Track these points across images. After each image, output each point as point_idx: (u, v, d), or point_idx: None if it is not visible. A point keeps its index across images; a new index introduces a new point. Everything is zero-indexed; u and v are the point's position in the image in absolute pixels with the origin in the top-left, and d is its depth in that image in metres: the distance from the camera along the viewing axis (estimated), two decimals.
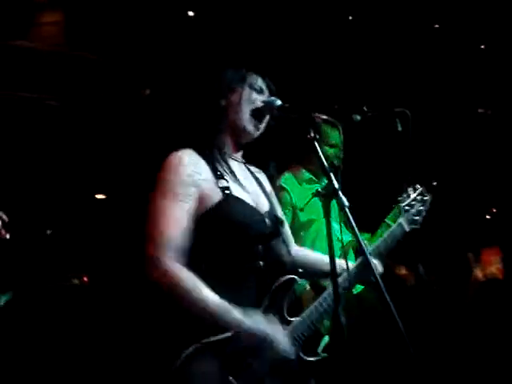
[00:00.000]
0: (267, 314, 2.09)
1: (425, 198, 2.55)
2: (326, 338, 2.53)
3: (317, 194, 1.94)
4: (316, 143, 1.98)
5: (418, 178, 2.66)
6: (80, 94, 4.76)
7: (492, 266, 6.36)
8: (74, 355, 4.24)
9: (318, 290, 2.67)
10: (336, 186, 1.90)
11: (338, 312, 1.89)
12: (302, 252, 2.48)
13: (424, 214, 2.52)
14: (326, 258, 2.22)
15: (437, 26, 5.78)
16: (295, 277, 2.17)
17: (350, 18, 5.48)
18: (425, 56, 5.68)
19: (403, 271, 5.46)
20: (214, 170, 2.18)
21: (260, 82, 2.28)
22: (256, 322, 2.03)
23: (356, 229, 1.85)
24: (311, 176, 3.39)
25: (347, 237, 2.81)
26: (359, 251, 2.11)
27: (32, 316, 4.28)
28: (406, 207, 2.50)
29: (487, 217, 6.88)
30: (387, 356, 3.16)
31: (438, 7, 5.49)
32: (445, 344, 4.70)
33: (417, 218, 2.51)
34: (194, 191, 2.11)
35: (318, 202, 1.99)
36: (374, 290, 1.78)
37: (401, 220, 2.46)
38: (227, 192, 2.15)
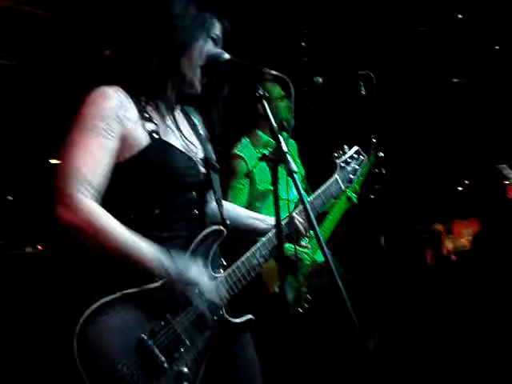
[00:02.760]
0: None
1: (361, 157, 2.50)
2: None
3: (263, 158, 1.80)
4: (265, 101, 1.83)
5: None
6: (35, 53, 4.54)
7: (463, 237, 6.39)
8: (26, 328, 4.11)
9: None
10: (284, 149, 1.76)
11: (283, 286, 1.79)
12: (234, 209, 2.36)
13: (359, 174, 2.48)
14: (256, 215, 2.29)
15: None
16: (223, 229, 2.05)
17: None
18: (399, 22, 5.56)
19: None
20: (142, 112, 2.00)
21: (218, 31, 2.10)
22: (183, 263, 1.89)
23: (303, 195, 1.72)
24: (269, 138, 3.25)
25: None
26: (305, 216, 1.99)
27: None
28: (342, 164, 2.44)
29: (459, 188, 6.86)
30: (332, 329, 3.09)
31: None
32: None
33: (352, 176, 2.45)
34: (116, 127, 1.92)
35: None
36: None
37: (336, 176, 2.39)
38: (156, 136, 1.98)
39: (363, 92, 2.85)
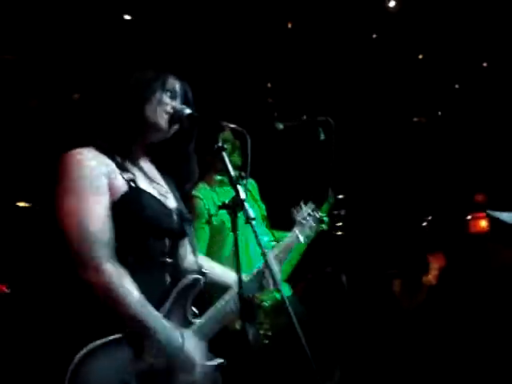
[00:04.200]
0: (172, 313, 2.07)
1: (316, 215, 2.74)
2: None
3: (223, 206, 1.89)
4: (223, 153, 1.93)
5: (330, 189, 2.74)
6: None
7: (429, 272, 6.48)
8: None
9: None
10: (242, 197, 1.85)
11: (245, 328, 1.86)
12: (209, 263, 2.45)
13: (316, 230, 2.74)
14: (220, 267, 2.43)
15: (374, 35, 5.82)
16: (199, 277, 2.15)
17: (285, 25, 5.46)
18: (360, 65, 5.72)
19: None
20: (118, 164, 2.10)
21: (177, 87, 2.22)
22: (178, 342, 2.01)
23: (260, 241, 1.80)
24: (222, 178, 3.34)
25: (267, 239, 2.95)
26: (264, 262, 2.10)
27: None
28: (302, 220, 2.68)
29: (423, 224, 7.00)
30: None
31: (376, 16, 5.53)
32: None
33: (310, 232, 2.70)
34: (104, 182, 2.02)
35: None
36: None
37: (296, 231, 2.62)
38: (133, 184, 2.07)
39: (322, 137, 2.97)
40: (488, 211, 6.15)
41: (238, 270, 1.87)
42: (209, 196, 3.34)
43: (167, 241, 2.12)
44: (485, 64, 5.98)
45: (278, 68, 5.42)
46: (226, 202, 1.90)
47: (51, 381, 1.93)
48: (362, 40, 5.70)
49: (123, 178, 2.06)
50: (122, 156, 2.13)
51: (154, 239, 2.08)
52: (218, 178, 3.37)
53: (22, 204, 4.49)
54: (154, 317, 1.98)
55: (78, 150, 2.05)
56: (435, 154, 6.31)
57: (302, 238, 2.60)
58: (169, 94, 2.18)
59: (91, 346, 1.91)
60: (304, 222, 2.66)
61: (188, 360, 2.01)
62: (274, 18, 5.30)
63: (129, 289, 1.96)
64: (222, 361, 2.19)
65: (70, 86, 4.82)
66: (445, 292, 5.85)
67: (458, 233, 6.80)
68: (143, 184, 2.13)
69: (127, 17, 4.97)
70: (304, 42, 5.47)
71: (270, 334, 3.19)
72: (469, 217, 7.07)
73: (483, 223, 7.10)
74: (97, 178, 2.01)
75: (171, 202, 2.22)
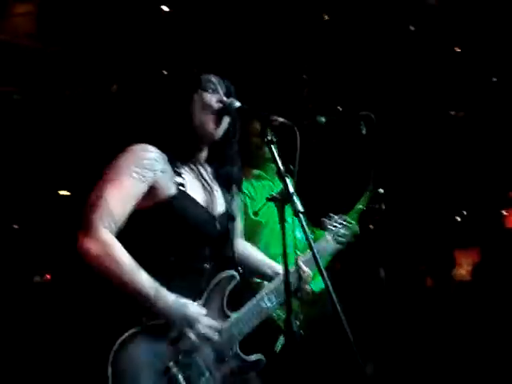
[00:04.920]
0: (208, 306, 2.13)
1: (349, 225, 2.83)
2: (281, 339, 2.57)
3: (271, 199, 1.92)
4: (272, 146, 1.95)
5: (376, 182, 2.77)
6: (46, 88, 4.68)
7: (462, 267, 6.45)
8: (37, 353, 4.18)
9: None
10: (291, 191, 1.87)
11: (290, 319, 1.88)
12: (245, 251, 2.51)
13: (348, 238, 2.80)
14: (265, 260, 2.49)
15: (412, 27, 5.77)
16: (235, 273, 2.21)
17: (321, 17, 5.44)
18: (397, 58, 5.68)
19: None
20: (173, 167, 2.16)
21: (214, 82, 2.24)
22: (178, 302, 2.04)
23: (308, 234, 1.83)
24: (259, 172, 3.36)
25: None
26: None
27: None
28: (331, 227, 2.77)
29: (457, 219, 6.95)
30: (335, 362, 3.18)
31: (411, 9, 5.48)
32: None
33: (342, 239, 2.77)
34: (149, 176, 2.09)
35: (270, 206, 1.98)
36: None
37: (327, 236, 2.73)
38: (182, 189, 2.13)
39: (364, 131, 2.98)
40: None
41: (285, 264, 1.89)
42: (246, 189, 3.37)
43: (207, 248, 2.18)
44: None
45: (315, 61, 5.42)
46: (274, 194, 1.92)
47: (95, 364, 2.00)
48: (400, 32, 5.66)
49: (173, 181, 2.13)
50: (181, 159, 2.20)
51: (194, 246, 2.14)
52: (256, 171, 3.39)
53: (63, 192, 4.60)
54: (149, 283, 2.00)
55: (143, 144, 2.15)
56: (472, 149, 6.25)
57: (333, 245, 2.70)
58: (210, 89, 2.21)
59: (132, 330, 1.99)
60: (335, 229, 2.75)
61: (195, 317, 2.05)
62: (310, 9, 5.30)
63: (121, 257, 1.99)
64: (261, 357, 2.24)
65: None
66: (479, 287, 5.82)
67: (493, 228, 6.75)
68: (193, 190, 2.19)
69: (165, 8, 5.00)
70: (341, 34, 5.46)
71: (303, 324, 3.22)
72: (504, 212, 7.01)
73: None
74: (144, 169, 2.08)
75: (218, 207, 2.27)
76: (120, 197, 2.03)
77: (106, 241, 1.99)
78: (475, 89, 6.12)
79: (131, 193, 2.06)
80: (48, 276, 4.49)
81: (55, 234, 4.46)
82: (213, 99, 2.20)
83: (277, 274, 2.40)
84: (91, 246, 1.98)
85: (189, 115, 2.19)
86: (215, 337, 2.10)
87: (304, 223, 1.83)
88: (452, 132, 6.17)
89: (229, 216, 2.28)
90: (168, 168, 2.15)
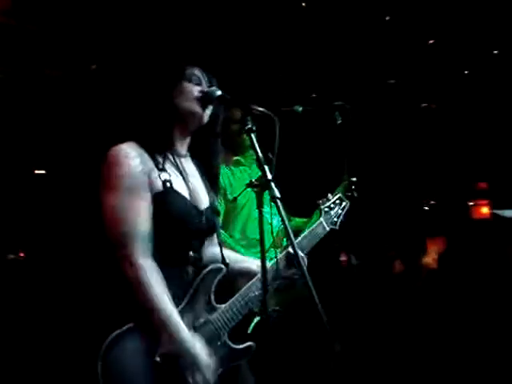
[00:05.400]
0: (195, 303, 2.19)
1: (343, 203, 2.85)
2: (255, 320, 2.65)
3: (250, 185, 2.00)
4: (253, 134, 2.02)
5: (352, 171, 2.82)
6: (25, 67, 4.66)
7: (429, 255, 6.60)
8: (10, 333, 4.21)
9: None
10: (269, 177, 1.95)
11: (265, 301, 1.96)
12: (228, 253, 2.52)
13: (342, 217, 2.81)
14: (242, 258, 2.53)
15: (387, 18, 5.84)
16: (222, 266, 2.26)
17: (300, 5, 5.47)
18: (371, 49, 5.75)
19: (343, 258, 5.62)
20: (157, 163, 2.19)
21: (198, 73, 2.29)
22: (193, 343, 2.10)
23: (286, 221, 1.90)
24: (238, 158, 3.43)
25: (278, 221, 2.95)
26: (287, 242, 2.19)
27: None
28: (326, 209, 2.77)
29: (425, 208, 7.10)
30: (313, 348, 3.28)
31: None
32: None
33: (336, 219, 2.78)
34: (145, 180, 2.13)
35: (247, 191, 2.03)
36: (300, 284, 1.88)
37: (321, 220, 2.70)
38: (168, 185, 2.17)
39: (339, 121, 3.07)
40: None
41: (262, 247, 1.97)
42: (225, 175, 3.44)
43: (195, 242, 2.25)
44: (495, 51, 6.01)
45: (290, 50, 5.47)
46: (253, 180, 1.99)
47: (85, 359, 2.06)
48: (375, 22, 5.73)
49: (160, 178, 2.16)
50: (162, 152, 2.23)
51: (181, 238, 2.20)
52: (234, 158, 3.45)
53: (38, 171, 4.61)
54: (174, 317, 2.07)
55: (122, 147, 2.16)
56: (442, 140, 6.38)
57: (326, 226, 2.69)
58: (194, 81, 2.25)
59: (125, 327, 2.05)
60: (328, 210, 2.76)
61: (196, 359, 2.09)
62: None
63: (155, 286, 2.06)
64: (250, 343, 2.28)
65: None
66: (445, 276, 5.96)
67: (460, 218, 6.91)
68: (178, 184, 2.22)
69: None
70: (317, 23, 5.51)
71: (277, 308, 3.31)
72: (471, 203, 7.19)
73: (485, 210, 7.23)
74: (138, 176, 2.12)
75: (203, 200, 2.32)
76: (141, 218, 2.09)
77: (152, 271, 2.07)
78: (447, 81, 6.23)
79: (145, 207, 2.11)
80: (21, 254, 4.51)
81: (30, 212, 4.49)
82: (196, 89, 2.25)
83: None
84: (138, 275, 2.05)
85: (172, 105, 2.22)
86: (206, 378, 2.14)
87: (281, 209, 1.90)
88: (424, 123, 6.29)
89: (213, 209, 2.34)
90: (152, 165, 2.18)
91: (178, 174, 2.26)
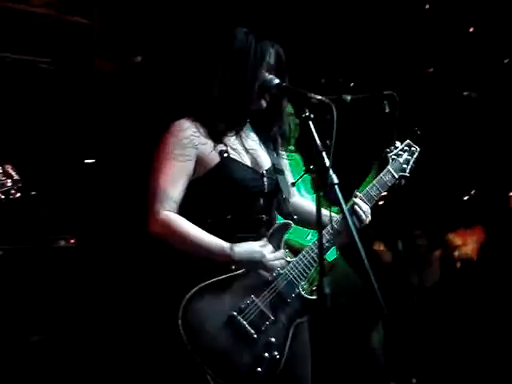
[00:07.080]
0: None
1: (412, 149, 2.80)
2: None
3: (309, 170, 2.07)
4: (310, 122, 2.09)
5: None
6: (75, 59, 4.78)
7: (467, 246, 6.56)
8: (67, 317, 4.34)
9: None
10: (327, 164, 2.01)
11: (322, 282, 2.03)
12: (299, 201, 2.68)
13: (412, 163, 2.76)
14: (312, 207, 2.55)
15: (427, 6, 5.82)
16: (290, 222, 2.42)
17: None
18: (415, 39, 5.74)
19: (381, 247, 5.63)
20: (213, 136, 2.38)
21: (272, 58, 2.41)
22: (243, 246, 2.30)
23: (344, 206, 1.97)
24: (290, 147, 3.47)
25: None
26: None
27: (19, 278, 4.34)
28: (393, 156, 2.73)
29: (465, 198, 7.04)
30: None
31: None
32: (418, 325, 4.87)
33: (405, 166, 2.75)
34: (192, 152, 2.35)
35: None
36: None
37: (388, 167, 2.68)
38: (225, 155, 2.36)
39: (387, 110, 3.10)
40: None
41: (320, 237, 2.03)
42: None
43: (261, 200, 2.40)
44: None
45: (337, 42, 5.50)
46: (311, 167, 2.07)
47: (166, 316, 2.23)
48: (415, 11, 5.72)
49: (216, 150, 2.37)
50: (218, 126, 2.39)
51: (247, 202, 2.37)
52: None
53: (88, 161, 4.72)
54: (215, 240, 2.29)
55: (180, 121, 2.40)
56: (482, 129, 6.33)
57: (395, 173, 2.68)
58: (266, 66, 2.39)
59: (200, 285, 2.23)
60: (396, 157, 2.73)
61: (256, 253, 2.31)
62: None
63: (186, 228, 2.30)
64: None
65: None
66: (482, 268, 5.93)
67: (500, 208, 6.84)
68: (236, 153, 2.41)
69: None
70: (359, 13, 5.53)
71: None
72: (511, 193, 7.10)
73: None
74: (185, 148, 2.34)
75: (264, 164, 2.47)
76: (171, 181, 2.33)
77: (170, 221, 2.31)
78: (489, 70, 6.17)
79: (180, 174, 2.35)
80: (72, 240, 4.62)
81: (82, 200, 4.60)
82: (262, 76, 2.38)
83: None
84: (158, 229, 2.32)
85: (242, 85, 2.37)
86: (282, 265, 2.34)
87: (339, 194, 1.97)
88: (465, 112, 6.24)
89: (276, 170, 2.48)
90: (207, 139, 2.37)
91: (235, 143, 2.43)
